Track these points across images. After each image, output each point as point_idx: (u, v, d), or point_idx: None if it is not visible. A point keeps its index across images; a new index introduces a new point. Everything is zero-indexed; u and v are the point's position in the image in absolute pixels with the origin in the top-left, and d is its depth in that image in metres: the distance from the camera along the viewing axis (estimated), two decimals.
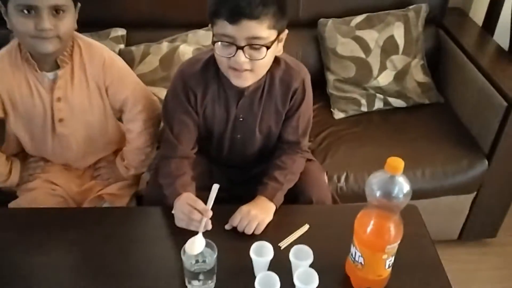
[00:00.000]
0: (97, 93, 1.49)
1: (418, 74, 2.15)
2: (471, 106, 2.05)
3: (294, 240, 1.30)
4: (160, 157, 1.50)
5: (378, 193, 1.04)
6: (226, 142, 1.52)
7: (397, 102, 2.14)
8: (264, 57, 1.25)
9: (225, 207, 1.38)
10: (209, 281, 1.16)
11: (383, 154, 1.09)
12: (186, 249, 1.13)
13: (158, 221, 1.37)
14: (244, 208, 1.32)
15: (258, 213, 1.31)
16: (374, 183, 1.04)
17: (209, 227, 1.25)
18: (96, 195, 1.62)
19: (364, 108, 2.12)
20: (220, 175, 1.61)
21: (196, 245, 1.14)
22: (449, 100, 2.20)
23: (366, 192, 1.07)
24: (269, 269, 1.18)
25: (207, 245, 1.16)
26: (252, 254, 1.18)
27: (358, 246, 1.12)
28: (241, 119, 1.45)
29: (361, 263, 1.13)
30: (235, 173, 1.62)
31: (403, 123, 2.08)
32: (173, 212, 1.32)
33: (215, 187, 1.27)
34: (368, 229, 1.09)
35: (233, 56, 1.23)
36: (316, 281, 1.10)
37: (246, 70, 1.26)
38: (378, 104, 2.13)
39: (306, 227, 1.34)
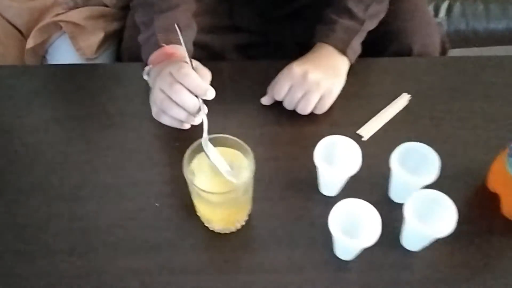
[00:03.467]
0: None
1: None
2: None
3: (388, 125, 0.73)
4: None
5: None
6: None
7: None
8: None
9: (257, 63, 0.79)
10: (240, 204, 0.62)
11: None
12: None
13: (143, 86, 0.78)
14: (296, 68, 0.72)
15: (321, 77, 0.71)
16: None
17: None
18: (50, 21, 1.02)
19: None
20: (243, 8, 0.97)
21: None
22: None
23: None
24: (347, 186, 0.64)
25: (235, 146, 0.59)
26: (318, 159, 0.61)
27: None
28: None
29: None
30: (270, 3, 0.97)
31: None
32: (145, 77, 0.74)
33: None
34: None
35: None
36: (453, 216, 0.56)
37: None
38: None
39: (404, 99, 0.76)
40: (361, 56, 0.79)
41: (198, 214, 0.63)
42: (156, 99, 0.66)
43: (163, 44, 0.70)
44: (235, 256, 0.62)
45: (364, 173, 0.62)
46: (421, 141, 0.63)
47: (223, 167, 0.58)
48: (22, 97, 0.79)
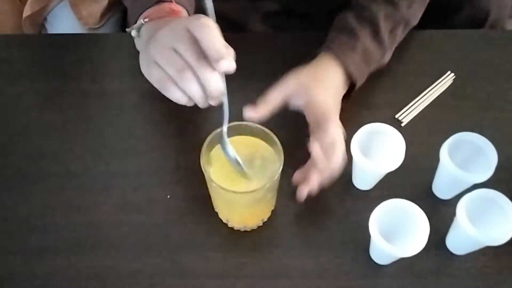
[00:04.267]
0: None
1: None
2: None
3: (429, 108, 0.64)
4: None
5: None
6: None
7: None
8: None
9: (283, 35, 0.72)
10: (264, 202, 0.54)
11: None
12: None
13: None
14: (333, 125, 0.53)
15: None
16: None
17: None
18: None
19: None
20: None
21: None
22: None
23: None
24: (383, 179, 0.56)
25: (260, 136, 0.51)
26: (355, 151, 0.53)
27: None
28: None
29: None
30: None
31: None
32: (133, 34, 0.56)
33: None
34: None
35: None
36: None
37: None
38: None
39: (448, 79, 0.67)
40: (429, 24, 0.68)
41: (215, 209, 0.56)
42: (165, 62, 0.45)
43: None
44: (255, 257, 0.55)
45: (403, 163, 0.54)
46: (466, 128, 0.54)
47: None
48: (17, 70, 0.70)
